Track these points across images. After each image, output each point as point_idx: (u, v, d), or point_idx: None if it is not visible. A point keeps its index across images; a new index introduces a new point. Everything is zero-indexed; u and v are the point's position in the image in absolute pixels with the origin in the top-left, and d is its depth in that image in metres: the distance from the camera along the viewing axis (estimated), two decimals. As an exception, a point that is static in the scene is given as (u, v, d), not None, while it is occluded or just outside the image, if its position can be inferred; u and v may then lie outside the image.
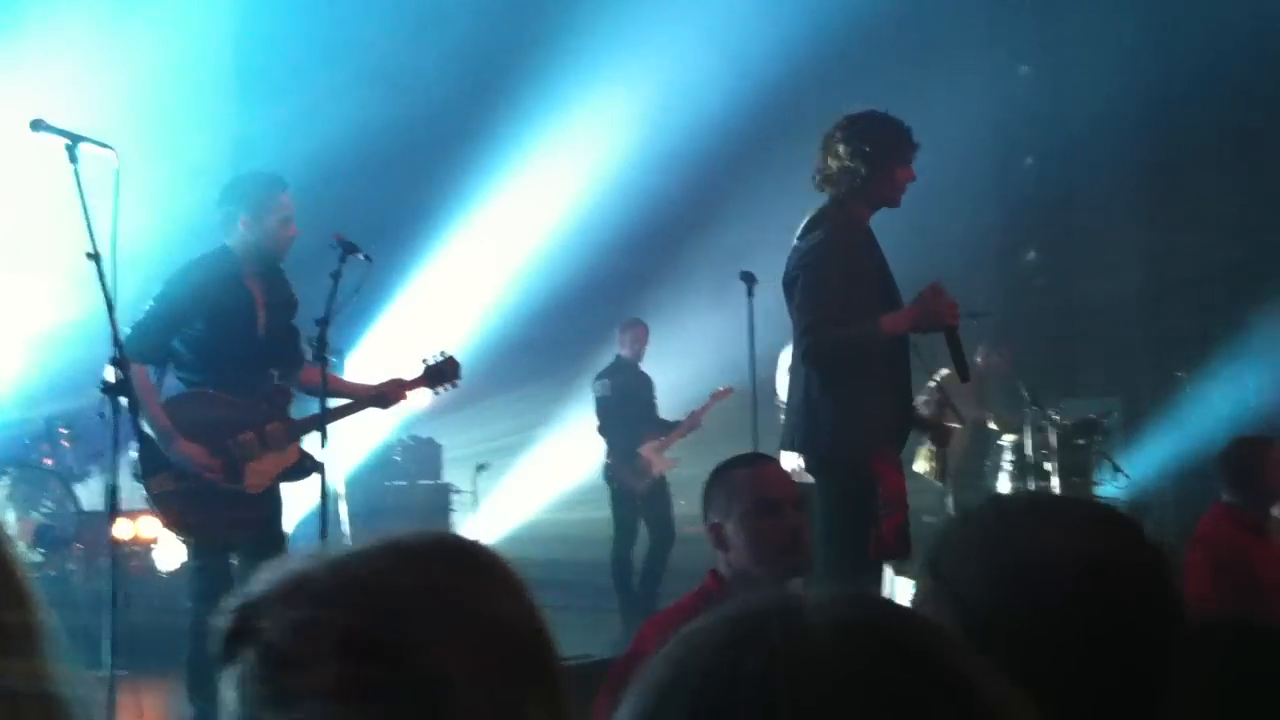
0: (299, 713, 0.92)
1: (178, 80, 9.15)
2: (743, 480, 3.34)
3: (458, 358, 5.67)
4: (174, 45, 9.14)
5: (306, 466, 5.28)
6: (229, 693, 0.95)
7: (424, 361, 5.60)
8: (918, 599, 1.39)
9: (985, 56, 10.45)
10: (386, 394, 5.50)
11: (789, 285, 4.61)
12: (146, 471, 4.99)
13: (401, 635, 0.95)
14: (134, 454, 4.99)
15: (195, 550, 5.23)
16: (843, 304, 4.39)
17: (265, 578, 0.98)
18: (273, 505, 5.23)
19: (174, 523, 5.18)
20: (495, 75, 10.13)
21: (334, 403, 5.42)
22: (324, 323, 5.13)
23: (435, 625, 0.96)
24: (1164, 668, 1.27)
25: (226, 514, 5.06)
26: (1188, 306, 10.05)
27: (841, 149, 4.60)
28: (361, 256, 5.31)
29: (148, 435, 4.93)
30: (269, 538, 5.13)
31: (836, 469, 4.43)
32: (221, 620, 0.97)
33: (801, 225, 4.68)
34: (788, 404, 4.80)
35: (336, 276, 5.24)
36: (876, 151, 4.55)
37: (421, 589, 0.98)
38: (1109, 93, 9.99)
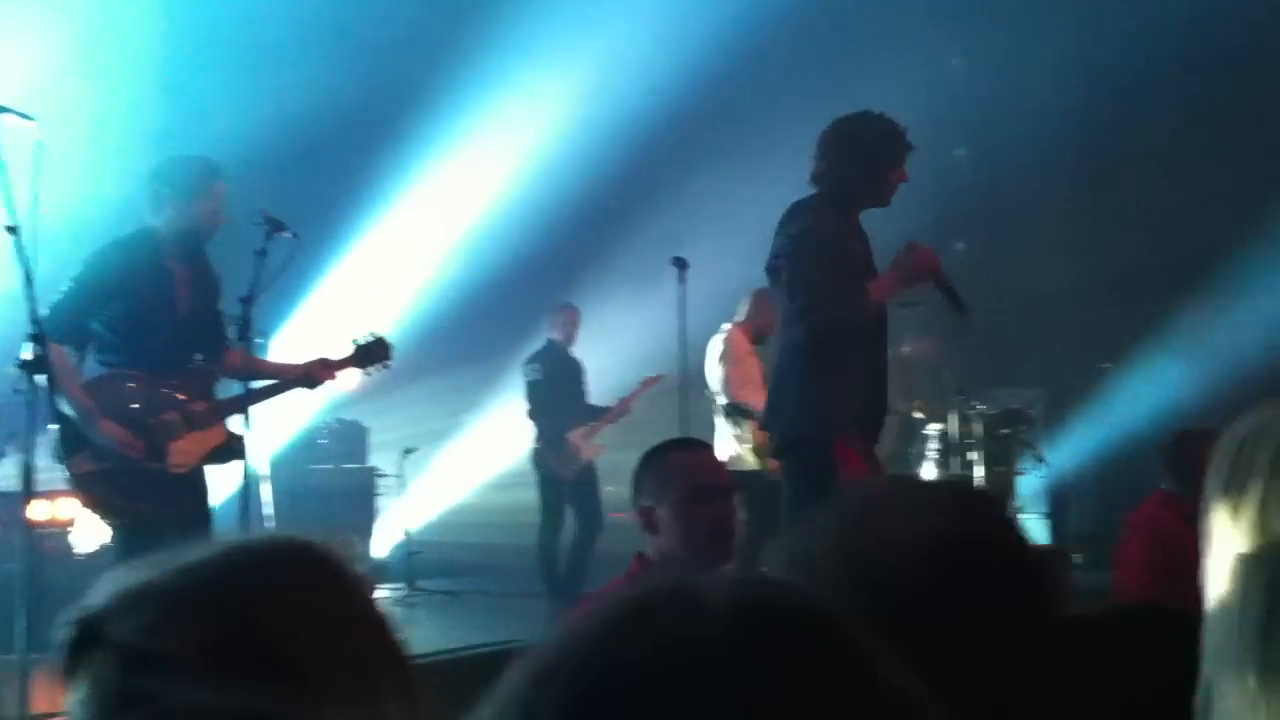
0: (158, 710, 0.92)
1: (103, 53, 8.96)
2: (679, 465, 3.33)
3: (388, 338, 5.63)
4: (100, 17, 8.95)
5: (235, 448, 5.20)
6: (77, 700, 0.97)
7: (354, 342, 5.56)
8: None
9: (920, 46, 10.52)
10: (313, 374, 5.45)
11: (772, 273, 4.71)
12: (67, 452, 4.90)
13: (255, 631, 0.98)
14: (53, 434, 4.89)
15: (120, 531, 5.13)
16: (833, 284, 4.48)
17: (104, 588, 1.01)
18: (198, 485, 5.16)
19: (96, 504, 5.08)
20: (427, 57, 10.03)
21: (260, 384, 5.37)
22: (248, 301, 5.10)
23: (287, 621, 0.99)
24: (1026, 641, 1.25)
25: (150, 494, 5.00)
26: (1114, 300, 10.19)
27: (832, 151, 4.67)
28: (288, 234, 5.28)
29: (67, 415, 4.86)
30: (195, 518, 5.06)
31: (796, 449, 4.57)
32: (63, 630, 0.98)
33: (785, 212, 4.73)
34: (770, 384, 4.84)
35: (262, 254, 5.19)
36: (865, 154, 4.62)
37: (269, 588, 1.02)
38: (1042, 86, 10.09)
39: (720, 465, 3.60)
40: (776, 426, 4.68)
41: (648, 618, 0.77)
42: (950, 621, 1.20)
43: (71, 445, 4.90)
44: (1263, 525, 1.18)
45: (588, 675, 0.75)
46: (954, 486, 1.39)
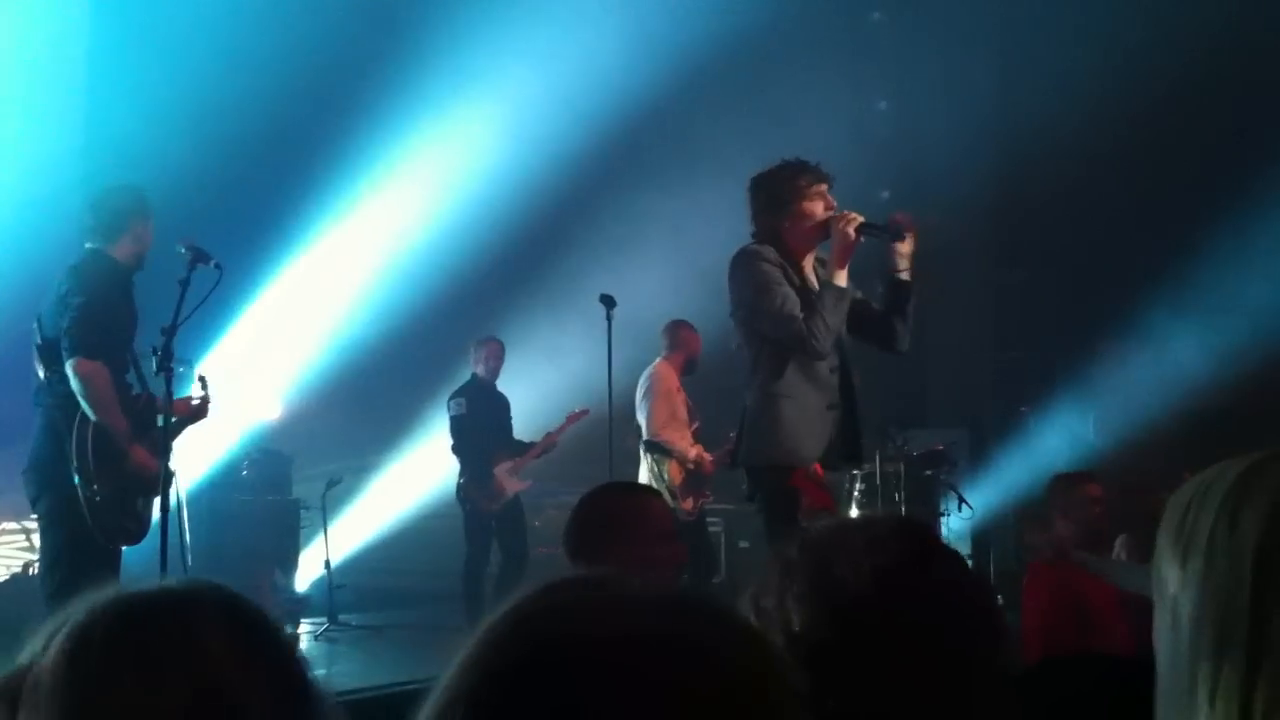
0: None
1: (27, 73, 8.85)
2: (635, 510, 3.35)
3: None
4: (24, 34, 8.84)
5: (170, 472, 5.38)
6: None
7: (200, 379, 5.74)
8: None
9: (844, 91, 10.67)
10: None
11: (737, 321, 4.90)
12: (100, 471, 5.01)
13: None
14: (83, 454, 5.00)
15: (90, 549, 5.08)
16: (784, 296, 4.68)
17: (44, 633, 1.03)
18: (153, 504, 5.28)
19: (110, 524, 5.09)
20: (353, 86, 10.01)
21: None
22: (170, 331, 5.11)
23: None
24: (974, 665, 1.35)
25: (137, 514, 5.20)
26: (1033, 341, 10.37)
27: (751, 202, 4.88)
28: (211, 265, 5.29)
29: (98, 433, 4.99)
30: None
31: (758, 480, 4.79)
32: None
33: (730, 264, 4.90)
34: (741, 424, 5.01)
35: (184, 284, 5.19)
36: (775, 195, 4.79)
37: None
38: (963, 130, 10.29)
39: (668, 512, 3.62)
40: (745, 460, 4.84)
41: (536, 632, 0.82)
42: (908, 641, 1.31)
43: (102, 464, 5.03)
44: (1207, 575, 1.21)
45: (490, 689, 0.80)
46: (893, 521, 1.50)
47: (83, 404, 5.02)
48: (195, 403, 5.56)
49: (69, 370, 5.01)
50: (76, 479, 5.00)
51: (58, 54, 9.05)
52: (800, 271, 4.82)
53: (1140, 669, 1.31)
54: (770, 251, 4.75)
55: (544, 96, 10.31)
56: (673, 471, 7.81)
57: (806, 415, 4.73)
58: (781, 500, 4.66)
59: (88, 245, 5.28)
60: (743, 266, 4.78)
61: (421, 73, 10.19)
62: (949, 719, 1.30)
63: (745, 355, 4.93)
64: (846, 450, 4.93)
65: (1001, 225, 10.99)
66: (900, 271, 4.87)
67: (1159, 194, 9.67)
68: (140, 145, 8.59)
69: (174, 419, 5.42)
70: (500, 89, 10.29)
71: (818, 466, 4.80)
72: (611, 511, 3.32)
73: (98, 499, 5.01)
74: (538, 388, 9.73)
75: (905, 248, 4.84)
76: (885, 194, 10.02)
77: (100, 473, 5.01)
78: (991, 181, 10.44)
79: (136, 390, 5.31)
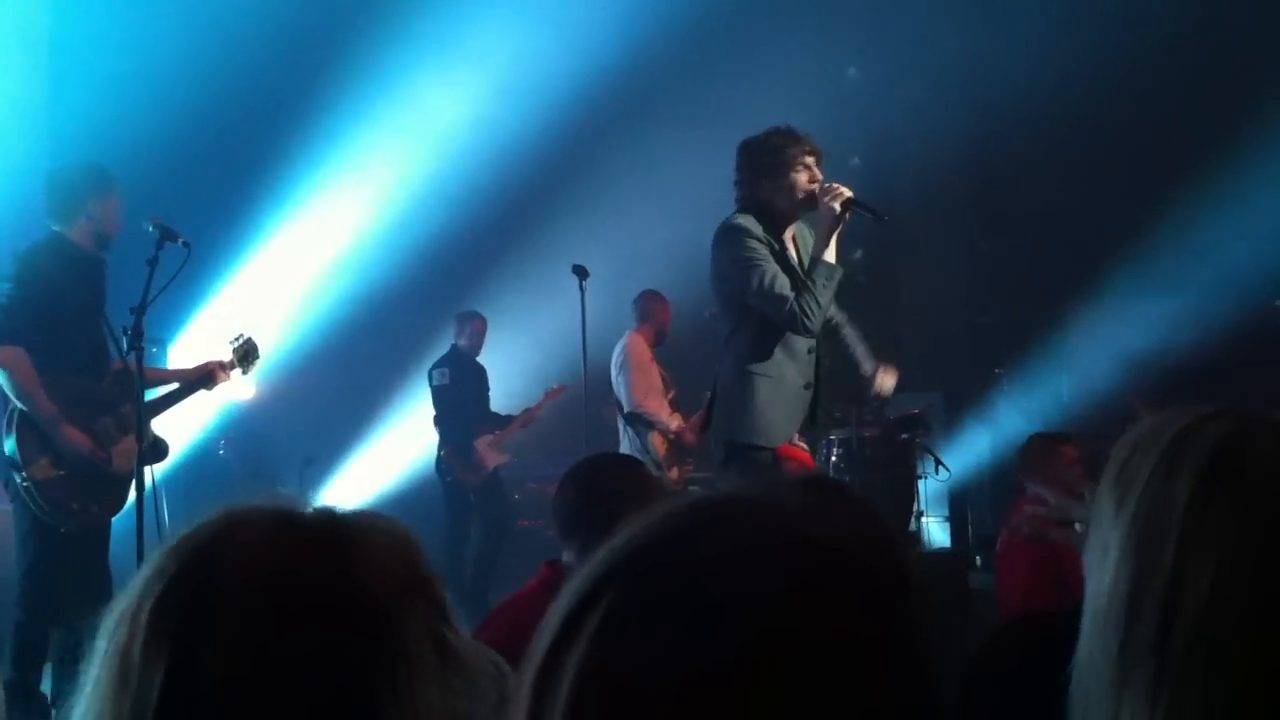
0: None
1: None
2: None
3: (254, 338, 5.90)
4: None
5: (161, 448, 5.44)
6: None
7: (230, 343, 5.82)
8: None
9: (814, 57, 10.65)
10: (212, 374, 5.69)
11: (718, 294, 4.90)
12: (28, 457, 5.08)
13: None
14: (9, 440, 5.09)
15: (45, 533, 5.19)
16: (774, 273, 4.65)
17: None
18: (129, 486, 5.27)
19: (53, 508, 5.15)
20: (325, 58, 9.92)
21: (164, 389, 5.60)
22: (140, 310, 5.11)
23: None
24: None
25: (99, 496, 5.25)
26: (1006, 305, 10.40)
27: (739, 169, 4.85)
28: (180, 243, 5.30)
29: (30, 419, 5.08)
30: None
31: (732, 458, 4.78)
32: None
33: (715, 235, 4.87)
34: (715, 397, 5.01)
35: (153, 263, 5.17)
36: (764, 164, 4.76)
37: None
38: (935, 96, 10.28)
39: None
40: (723, 436, 4.82)
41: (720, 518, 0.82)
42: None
43: (31, 450, 5.09)
44: (1136, 517, 1.25)
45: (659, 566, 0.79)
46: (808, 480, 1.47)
47: (5, 390, 5.11)
48: (209, 366, 5.66)
49: None
50: (12, 465, 5.12)
51: (21, 38, 8.94)
52: (781, 243, 4.81)
53: None
54: (755, 224, 4.72)
55: (516, 65, 10.25)
56: (656, 443, 7.83)
57: (783, 395, 4.75)
58: (758, 475, 4.63)
59: (51, 228, 5.33)
60: (728, 241, 4.75)
61: (393, 43, 10.11)
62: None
63: (721, 326, 4.94)
64: (811, 428, 4.99)
65: (975, 189, 11.00)
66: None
67: (1134, 158, 9.70)
68: (107, 124, 8.50)
69: (180, 384, 5.59)
70: (472, 59, 10.22)
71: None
72: (611, 485, 3.30)
73: (26, 484, 5.09)
74: (512, 360, 9.73)
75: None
76: (856, 160, 10.02)
77: (29, 459, 5.09)
78: (965, 147, 10.44)
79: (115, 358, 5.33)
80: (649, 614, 0.78)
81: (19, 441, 5.09)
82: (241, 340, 5.84)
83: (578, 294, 7.40)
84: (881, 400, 5.02)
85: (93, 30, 9.25)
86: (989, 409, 9.88)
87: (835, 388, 5.30)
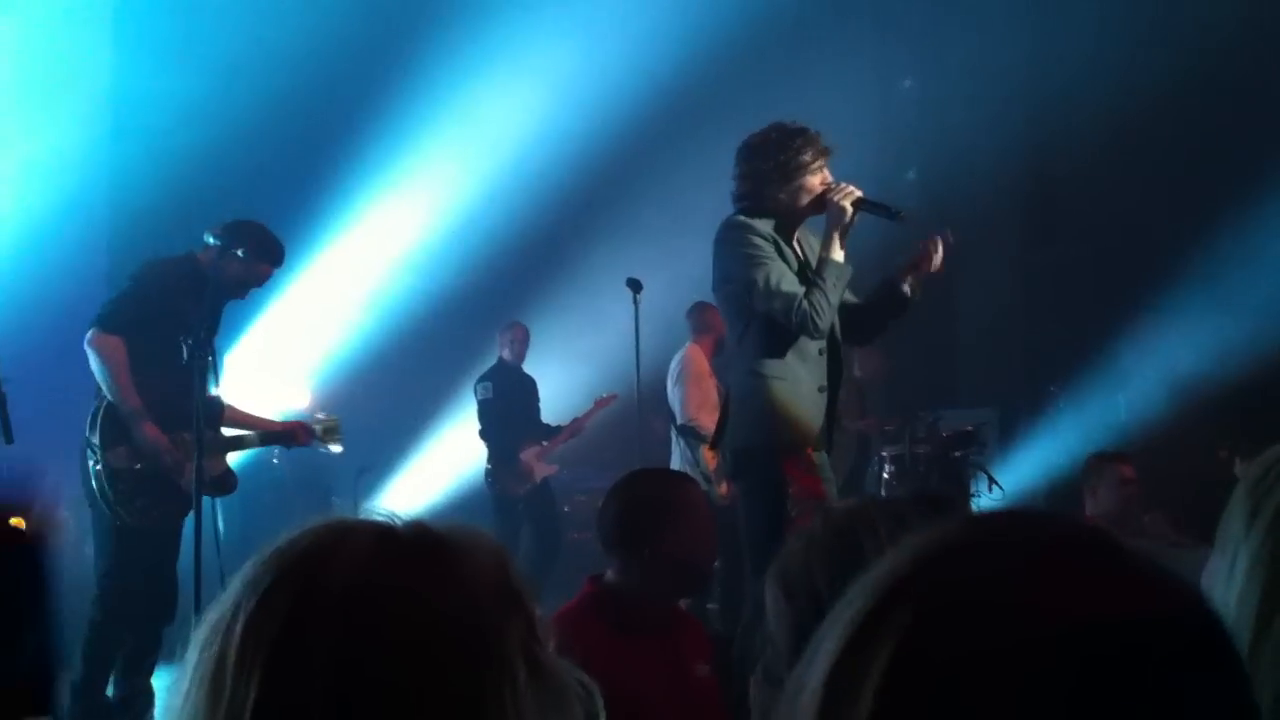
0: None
1: (52, 71, 8.86)
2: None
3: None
4: (48, 32, 8.85)
5: (230, 482, 5.66)
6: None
7: (320, 419, 6.19)
8: (771, 611, 1.50)
9: (870, 69, 10.60)
10: (294, 435, 6.00)
11: (721, 296, 4.77)
12: (108, 443, 5.25)
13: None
14: (97, 422, 5.27)
15: (116, 531, 5.34)
16: (781, 272, 4.50)
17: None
18: (192, 500, 5.37)
19: (118, 497, 5.29)
20: (379, 73, 10.00)
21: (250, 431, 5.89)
22: (200, 321, 5.29)
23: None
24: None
25: (165, 502, 5.37)
26: (1062, 321, 10.29)
27: (742, 164, 4.68)
28: (239, 253, 5.48)
29: (109, 411, 5.26)
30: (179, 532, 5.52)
31: (744, 469, 4.63)
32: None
33: (716, 234, 4.74)
34: (723, 405, 4.91)
35: (215, 272, 5.34)
36: (777, 173, 4.58)
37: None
38: (991, 108, 10.19)
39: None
40: (736, 442, 4.67)
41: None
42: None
43: (112, 438, 5.27)
44: (1265, 542, 1.29)
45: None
46: (918, 500, 1.50)
47: (96, 377, 5.26)
48: (295, 427, 6.00)
49: (85, 344, 5.25)
50: (90, 450, 5.26)
51: (83, 52, 9.06)
52: (790, 244, 4.66)
53: None
54: (761, 223, 4.57)
55: (571, 80, 10.28)
56: (707, 456, 7.79)
57: (799, 398, 4.54)
58: (769, 487, 4.49)
59: (193, 249, 5.59)
60: (733, 239, 4.59)
61: (449, 56, 10.17)
62: None
63: (730, 332, 4.80)
64: (822, 436, 4.70)
65: (1031, 203, 10.90)
66: (905, 284, 4.75)
67: (1191, 169, 9.57)
68: (167, 137, 8.62)
69: (261, 433, 5.85)
70: (528, 72, 10.26)
71: (809, 450, 4.60)
72: (659, 499, 3.28)
73: (98, 467, 5.24)
74: (566, 372, 9.74)
75: (929, 267, 4.71)
76: (911, 174, 9.97)
77: (107, 445, 5.26)
78: (1020, 159, 10.35)
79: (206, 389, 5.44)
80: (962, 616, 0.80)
81: (102, 430, 5.25)
82: (330, 420, 6.15)
83: (631, 306, 7.40)
84: (936, 274, 4.67)
85: (153, 41, 9.37)
86: (1044, 427, 9.76)
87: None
